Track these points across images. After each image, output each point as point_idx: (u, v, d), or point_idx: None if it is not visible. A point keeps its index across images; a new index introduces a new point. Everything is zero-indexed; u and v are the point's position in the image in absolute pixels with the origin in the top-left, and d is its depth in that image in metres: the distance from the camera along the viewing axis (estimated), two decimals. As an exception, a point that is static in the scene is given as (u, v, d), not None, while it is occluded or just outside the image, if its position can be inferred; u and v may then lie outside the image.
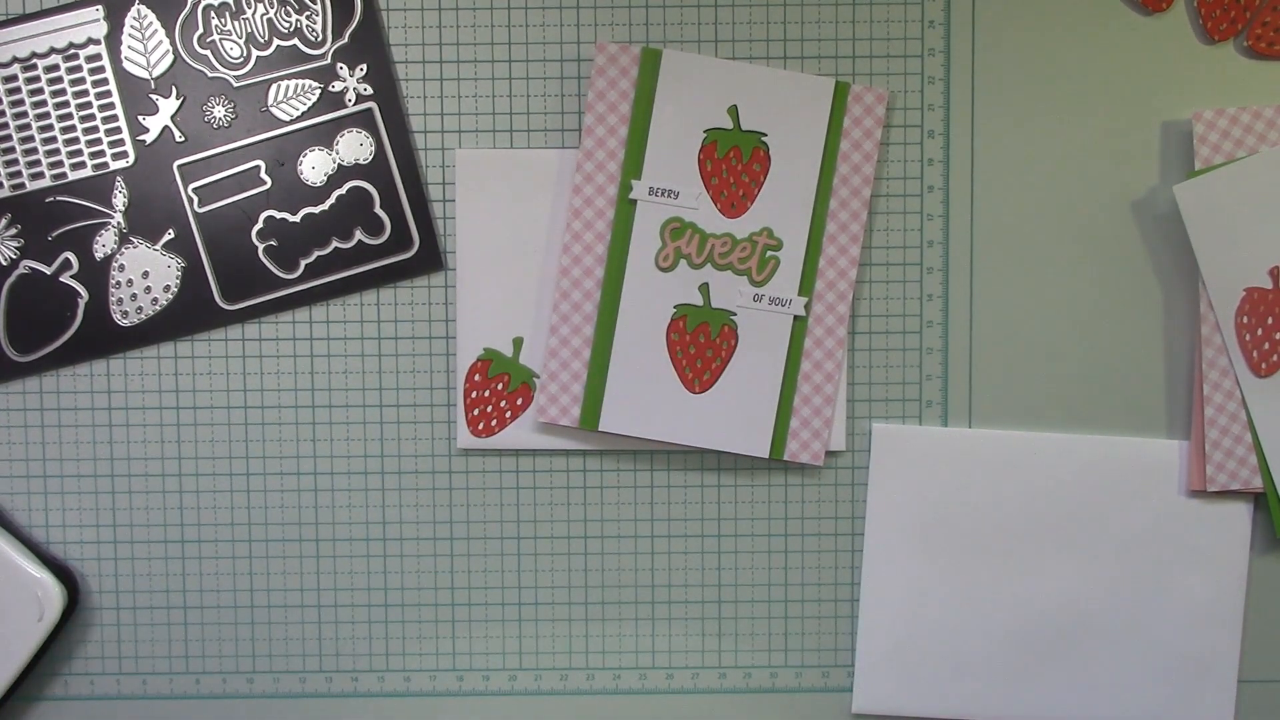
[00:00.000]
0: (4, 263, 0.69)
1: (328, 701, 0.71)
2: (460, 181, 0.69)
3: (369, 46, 0.68)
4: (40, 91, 0.68)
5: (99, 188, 0.68)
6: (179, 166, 0.68)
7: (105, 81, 0.68)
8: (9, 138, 0.68)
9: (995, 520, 0.69)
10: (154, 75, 0.68)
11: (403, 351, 0.70)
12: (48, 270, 0.69)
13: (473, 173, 0.69)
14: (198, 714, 0.71)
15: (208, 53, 0.68)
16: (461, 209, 0.69)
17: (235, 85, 0.68)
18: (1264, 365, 0.67)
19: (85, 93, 0.68)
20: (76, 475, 0.70)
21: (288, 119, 0.68)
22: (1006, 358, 0.69)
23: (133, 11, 0.68)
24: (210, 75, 0.68)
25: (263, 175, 0.68)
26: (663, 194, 0.68)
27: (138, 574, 0.71)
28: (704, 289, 0.68)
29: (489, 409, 0.69)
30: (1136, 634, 0.69)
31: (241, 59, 0.68)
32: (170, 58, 0.68)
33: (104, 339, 0.69)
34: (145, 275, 0.69)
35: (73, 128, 0.68)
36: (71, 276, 0.69)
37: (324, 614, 0.71)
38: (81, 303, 0.69)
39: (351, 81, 0.68)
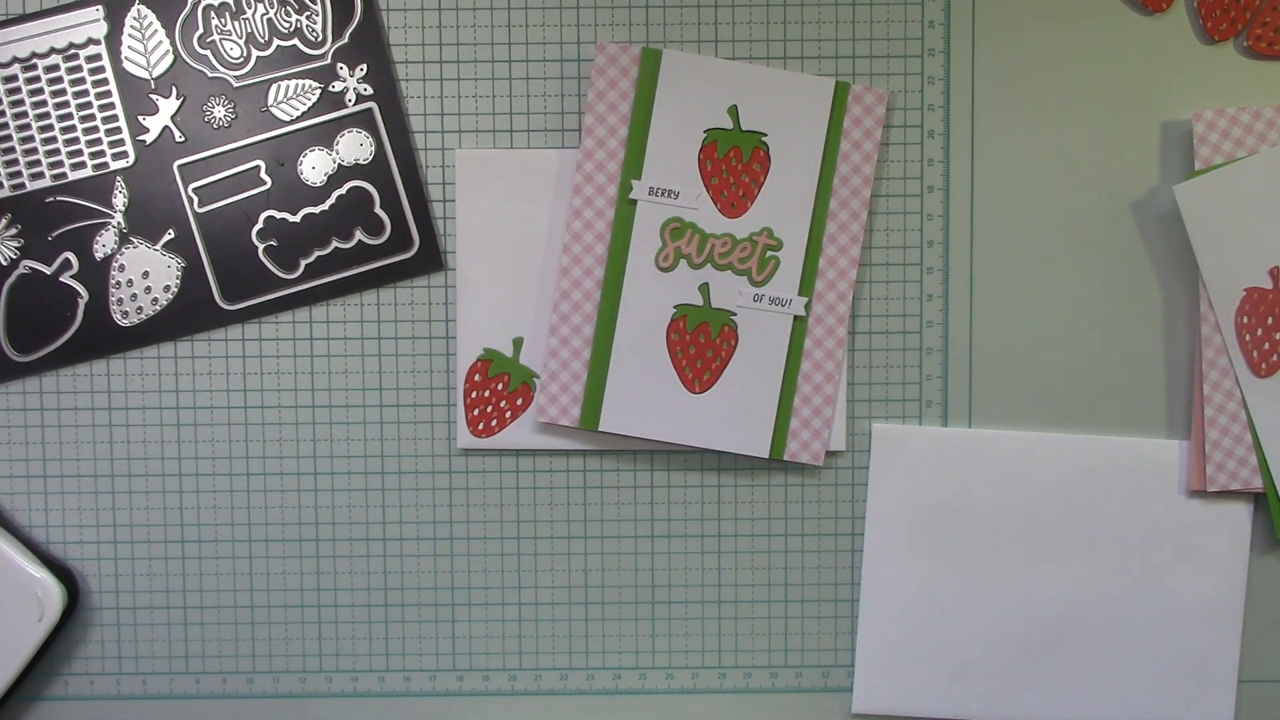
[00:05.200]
0: (4, 263, 0.69)
1: (328, 701, 0.71)
2: (460, 181, 0.69)
3: (369, 46, 0.68)
4: (40, 91, 0.68)
5: (99, 188, 0.68)
6: (179, 166, 0.68)
7: (105, 81, 0.68)
8: (9, 138, 0.68)
9: (995, 520, 0.69)
10: (154, 75, 0.68)
11: (403, 351, 0.70)
12: (48, 270, 0.69)
13: (473, 173, 0.69)
14: (198, 714, 0.71)
15: (208, 53, 0.68)
16: (461, 209, 0.69)
17: (235, 85, 0.68)
18: (1264, 365, 0.67)
19: (85, 93, 0.68)
20: (76, 475, 0.70)
21: (288, 119, 0.68)
22: (1006, 358, 0.69)
23: (133, 11, 0.68)
24: (210, 75, 0.68)
25: (263, 175, 0.69)
26: (663, 194, 0.68)
27: (138, 574, 0.71)
28: (704, 289, 0.68)
29: (489, 409, 0.69)
30: (1136, 634, 0.69)
31: (241, 59, 0.68)
32: (170, 58, 0.68)
33: (104, 339, 0.69)
34: (145, 275, 0.69)
35: (73, 128, 0.68)
36: (71, 276, 0.69)
37: (324, 614, 0.71)
38: (81, 303, 0.69)
39: (351, 81, 0.68)
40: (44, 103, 0.68)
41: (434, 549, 0.71)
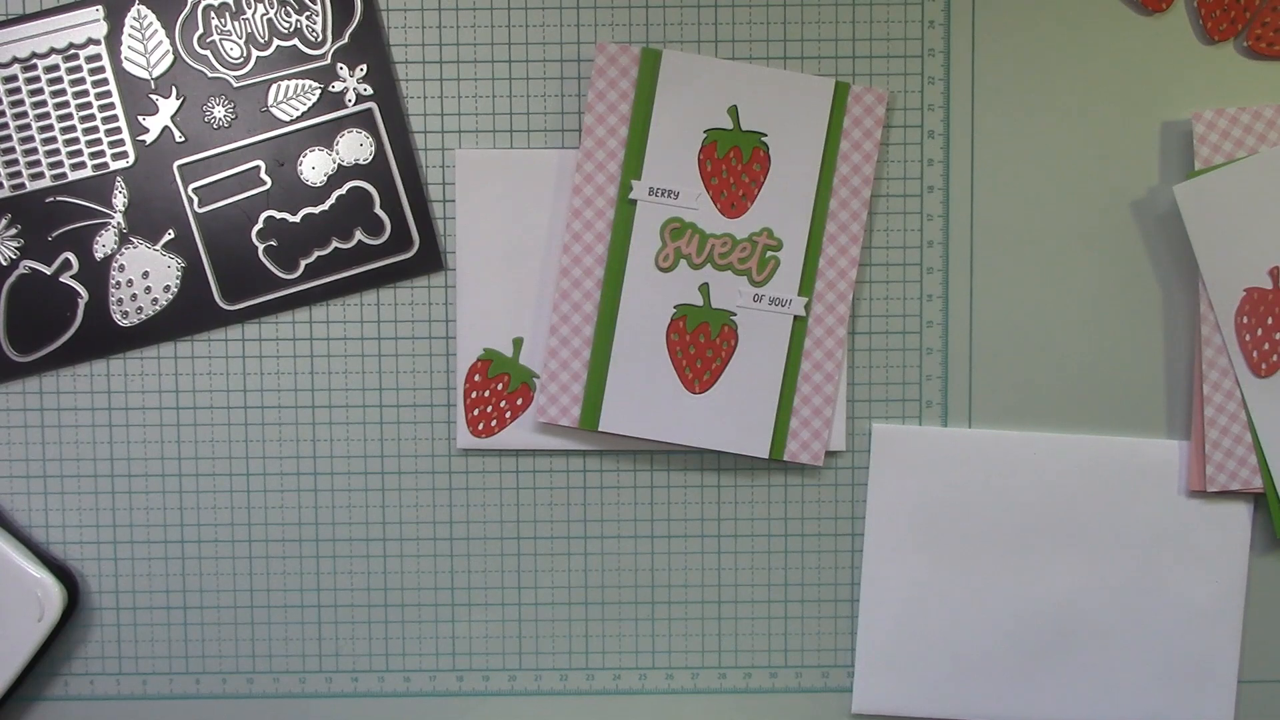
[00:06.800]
0: (4, 263, 0.69)
1: (328, 701, 0.71)
2: (460, 181, 0.69)
3: (369, 46, 0.68)
4: (40, 91, 0.68)
5: (99, 188, 0.68)
6: (179, 166, 0.68)
7: (105, 81, 0.68)
8: (9, 138, 0.68)
9: (995, 520, 0.69)
10: (154, 75, 0.68)
11: (403, 351, 0.70)
12: (48, 270, 0.69)
13: (473, 173, 0.69)
14: (198, 714, 0.71)
15: (208, 53, 0.68)
16: (461, 209, 0.69)
17: (235, 85, 0.68)
18: (1264, 365, 0.67)
19: (85, 93, 0.68)
20: (76, 475, 0.70)
21: (288, 119, 0.68)
22: (1006, 358, 0.69)
23: (133, 11, 0.68)
24: (210, 75, 0.68)
25: (263, 175, 0.69)
26: (663, 194, 0.68)
27: (138, 574, 0.71)
28: (704, 289, 0.68)
29: (489, 409, 0.69)
30: (1136, 634, 0.69)
31: (241, 59, 0.68)
32: (170, 58, 0.68)
33: (104, 339, 0.69)
34: (145, 275, 0.69)
35: (73, 128, 0.68)
36: (71, 276, 0.69)
37: (324, 614, 0.71)
38: (81, 303, 0.69)
39: (351, 81, 0.68)
40: (44, 103, 0.68)
41: (434, 549, 0.71)
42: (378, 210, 0.69)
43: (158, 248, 0.69)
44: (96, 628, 0.71)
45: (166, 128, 0.68)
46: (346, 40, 0.68)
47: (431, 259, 0.69)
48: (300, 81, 0.68)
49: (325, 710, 0.71)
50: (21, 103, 0.68)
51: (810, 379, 0.69)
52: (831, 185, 0.68)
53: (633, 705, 0.71)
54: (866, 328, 0.69)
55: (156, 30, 0.68)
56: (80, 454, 0.70)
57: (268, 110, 0.68)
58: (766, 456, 0.69)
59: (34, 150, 0.68)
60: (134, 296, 0.69)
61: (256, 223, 0.69)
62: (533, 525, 0.70)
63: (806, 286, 0.68)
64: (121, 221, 0.69)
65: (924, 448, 0.69)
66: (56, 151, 0.68)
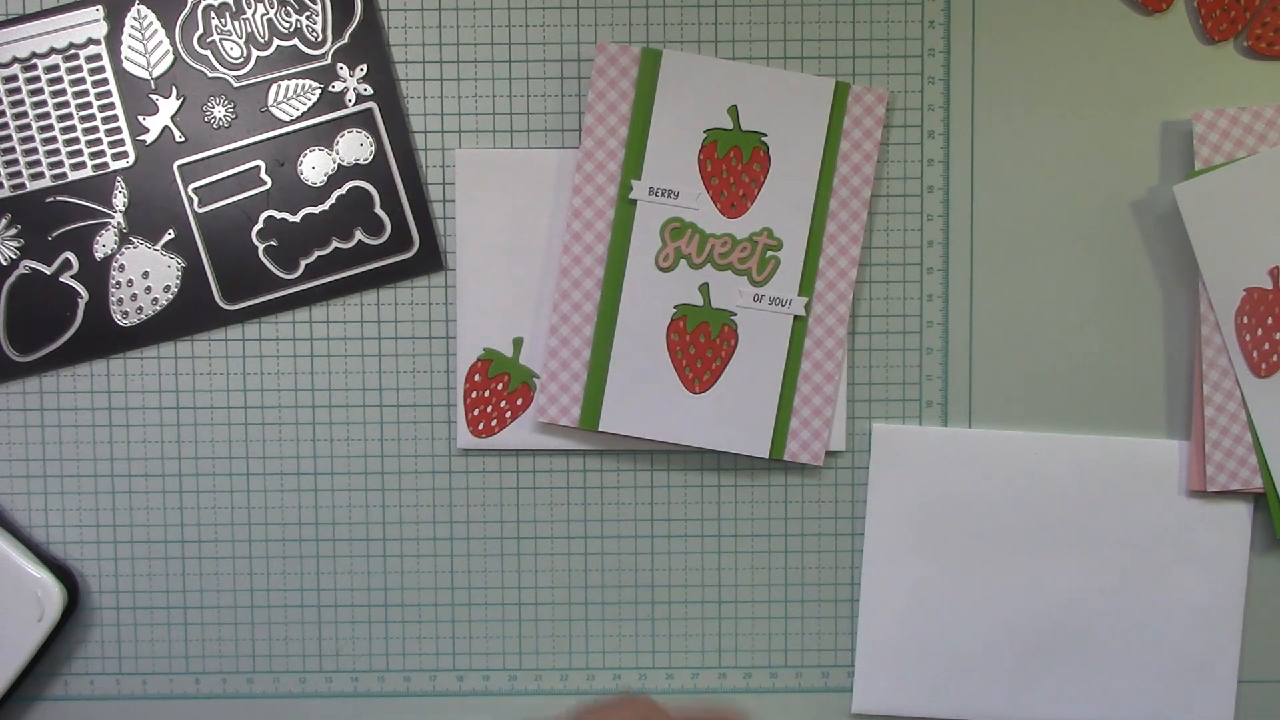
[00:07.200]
0: (4, 263, 0.69)
1: (328, 701, 0.71)
2: (460, 181, 0.69)
3: (369, 46, 0.68)
4: (40, 91, 0.68)
5: (99, 188, 0.68)
6: (179, 166, 0.68)
7: (105, 81, 0.68)
8: (9, 138, 0.68)
9: (995, 520, 0.69)
10: (154, 75, 0.68)
11: (403, 351, 0.70)
12: (48, 270, 0.69)
13: (473, 173, 0.69)
14: (198, 714, 0.71)
15: (208, 53, 0.68)
16: (461, 209, 0.69)
17: (235, 85, 0.68)
18: (1264, 365, 0.67)
19: (85, 93, 0.68)
20: (76, 475, 0.70)
21: (288, 119, 0.68)
22: (1006, 358, 0.69)
23: (133, 11, 0.68)
24: (210, 75, 0.68)
25: (263, 175, 0.69)
26: (663, 194, 0.68)
27: (138, 574, 0.71)
28: (704, 289, 0.68)
29: (489, 409, 0.69)
30: (1136, 634, 0.69)
31: (241, 59, 0.68)
32: (170, 58, 0.68)
33: (104, 339, 0.69)
34: (145, 275, 0.69)
35: (73, 128, 0.68)
36: (71, 276, 0.69)
37: (324, 614, 0.71)
38: (81, 303, 0.69)
39: (351, 81, 0.68)
40: (44, 103, 0.68)
41: (434, 549, 0.71)
42: (378, 210, 0.69)
43: (158, 248, 0.69)
44: (96, 628, 0.71)
45: (166, 128, 0.68)
46: (346, 40, 0.68)
47: (431, 259, 0.69)
48: (300, 81, 0.68)
49: (325, 710, 0.71)
50: (21, 103, 0.68)
51: (810, 379, 0.69)
52: (831, 185, 0.68)
53: (633, 705, 0.71)
54: (866, 328, 0.69)
55: (156, 30, 0.68)
56: (80, 454, 0.70)
57: (268, 110, 0.68)
58: (766, 456, 0.69)
59: (34, 150, 0.68)
60: (134, 296, 0.69)
61: (256, 223, 0.69)
62: (533, 525, 0.70)
63: (806, 286, 0.68)
64: (121, 221, 0.69)
65: (924, 448, 0.69)
66: (56, 151, 0.68)
